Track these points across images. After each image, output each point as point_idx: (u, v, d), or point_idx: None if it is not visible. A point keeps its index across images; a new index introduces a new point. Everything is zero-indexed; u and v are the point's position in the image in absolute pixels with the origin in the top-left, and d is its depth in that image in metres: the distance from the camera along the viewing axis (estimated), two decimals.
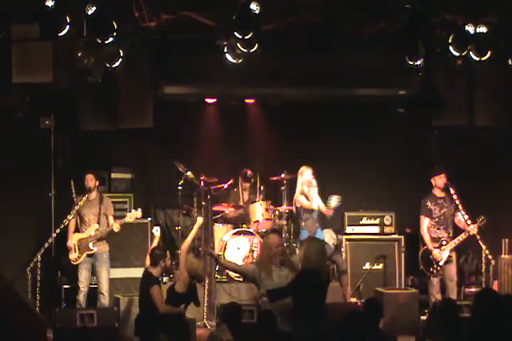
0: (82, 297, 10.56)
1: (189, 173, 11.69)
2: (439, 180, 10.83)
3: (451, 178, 10.86)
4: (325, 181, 11.54)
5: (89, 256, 10.65)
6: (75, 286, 10.75)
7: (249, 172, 12.21)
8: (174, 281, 9.36)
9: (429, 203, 10.86)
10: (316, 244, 8.61)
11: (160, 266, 9.08)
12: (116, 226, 10.62)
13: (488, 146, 12.21)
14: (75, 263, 10.61)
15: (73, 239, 10.67)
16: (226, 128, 12.90)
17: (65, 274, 11.15)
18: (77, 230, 10.77)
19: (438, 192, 10.89)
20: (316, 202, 10.81)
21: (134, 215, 10.66)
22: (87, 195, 10.69)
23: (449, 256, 10.72)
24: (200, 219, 9.77)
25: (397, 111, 11.17)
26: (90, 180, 10.72)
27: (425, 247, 10.82)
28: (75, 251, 10.62)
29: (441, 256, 10.69)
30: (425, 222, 10.85)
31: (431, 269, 10.75)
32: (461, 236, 10.72)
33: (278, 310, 7.79)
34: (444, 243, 10.72)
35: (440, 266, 10.72)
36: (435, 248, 10.72)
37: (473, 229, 10.64)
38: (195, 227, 9.58)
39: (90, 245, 10.63)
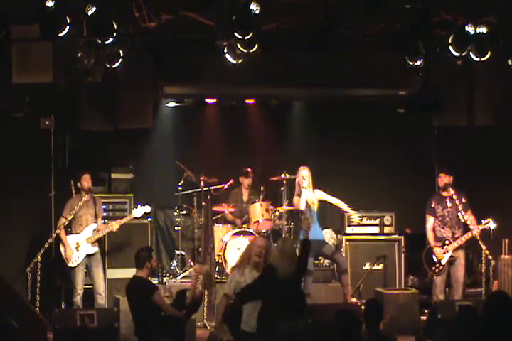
0: (79, 299, 10.53)
1: (189, 173, 11.72)
2: (439, 180, 10.87)
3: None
4: (325, 181, 11.53)
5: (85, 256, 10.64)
6: (71, 288, 10.70)
7: (248, 169, 12.23)
8: (186, 289, 9.23)
9: (433, 202, 10.88)
10: (280, 242, 8.44)
11: (146, 267, 9.02)
12: (116, 227, 10.63)
13: (488, 146, 12.20)
14: (73, 265, 10.55)
15: (71, 240, 10.64)
16: (226, 128, 12.89)
17: (64, 274, 11.13)
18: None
19: (443, 192, 10.90)
20: (304, 204, 10.72)
21: (142, 210, 10.72)
22: (87, 196, 10.68)
23: (452, 256, 10.72)
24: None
25: (397, 111, 11.16)
26: (89, 180, 10.71)
27: (428, 246, 10.84)
28: (74, 253, 10.59)
29: (442, 256, 10.69)
30: (429, 221, 10.86)
31: (433, 268, 10.75)
32: (464, 237, 10.72)
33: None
34: (446, 242, 10.72)
35: (442, 266, 10.71)
36: (437, 247, 10.72)
37: (476, 230, 10.64)
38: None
39: (90, 246, 10.62)
